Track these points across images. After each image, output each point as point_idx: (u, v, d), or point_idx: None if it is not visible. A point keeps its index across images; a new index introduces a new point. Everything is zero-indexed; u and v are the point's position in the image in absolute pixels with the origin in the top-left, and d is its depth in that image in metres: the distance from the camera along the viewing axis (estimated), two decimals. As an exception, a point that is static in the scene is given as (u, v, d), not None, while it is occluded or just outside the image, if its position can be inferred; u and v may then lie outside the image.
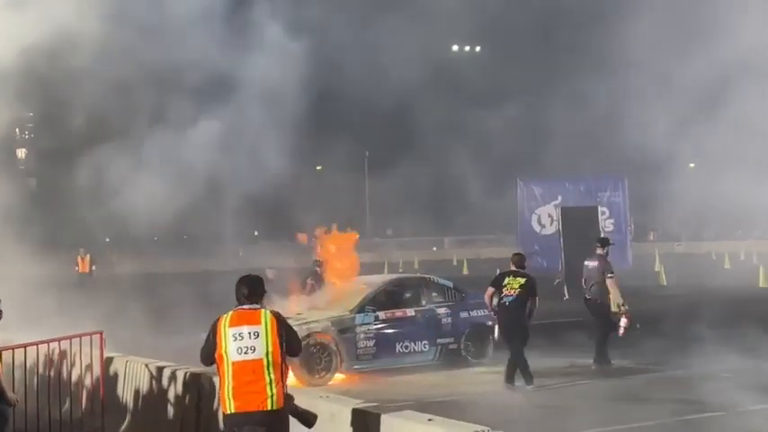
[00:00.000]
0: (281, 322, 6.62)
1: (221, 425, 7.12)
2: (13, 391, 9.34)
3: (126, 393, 10.58)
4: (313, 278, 17.52)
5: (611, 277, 15.05)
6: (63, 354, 10.71)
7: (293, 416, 6.82)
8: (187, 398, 9.56)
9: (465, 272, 41.34)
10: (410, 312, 15.05)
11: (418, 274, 19.24)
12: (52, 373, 10.65)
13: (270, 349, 6.44)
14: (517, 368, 13.29)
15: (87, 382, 10.69)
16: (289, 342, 6.61)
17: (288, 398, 6.62)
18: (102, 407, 10.24)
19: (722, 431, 10.56)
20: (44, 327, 12.99)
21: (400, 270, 39.21)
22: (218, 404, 8.74)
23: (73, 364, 10.60)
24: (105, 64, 17.88)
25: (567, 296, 27.08)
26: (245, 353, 6.45)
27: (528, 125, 36.88)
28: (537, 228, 39.73)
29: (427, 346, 14.92)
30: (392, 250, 52.14)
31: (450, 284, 15.99)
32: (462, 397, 12.60)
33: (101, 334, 10.22)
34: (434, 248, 60.40)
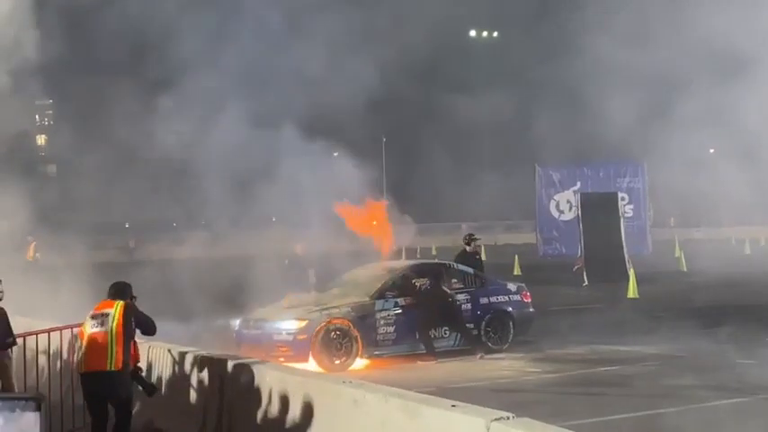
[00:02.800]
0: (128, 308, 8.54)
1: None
2: (37, 377, 9.42)
3: (149, 378, 10.62)
4: None
5: None
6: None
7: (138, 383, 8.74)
8: (209, 382, 9.58)
9: (483, 258, 41.18)
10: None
11: (438, 260, 19.24)
12: (75, 359, 10.69)
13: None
14: None
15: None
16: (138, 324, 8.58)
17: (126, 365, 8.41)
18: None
19: (746, 417, 10.51)
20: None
21: (418, 256, 39.15)
22: (243, 389, 8.80)
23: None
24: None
25: (586, 282, 27.01)
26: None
27: (546, 109, 36.68)
28: (555, 214, 39.65)
29: (447, 332, 14.91)
30: (410, 236, 52.02)
31: (470, 270, 15.96)
32: (482, 383, 12.60)
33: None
34: (456, 231, 60.28)
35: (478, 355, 14.62)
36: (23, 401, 1.98)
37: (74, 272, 17.97)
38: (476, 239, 16.98)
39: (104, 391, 8.31)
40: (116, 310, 8.36)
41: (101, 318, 8.35)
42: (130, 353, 8.40)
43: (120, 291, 8.64)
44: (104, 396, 8.38)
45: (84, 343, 8.41)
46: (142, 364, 9.34)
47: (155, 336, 9.04)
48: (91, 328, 8.36)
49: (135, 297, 8.81)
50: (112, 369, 8.21)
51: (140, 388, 8.93)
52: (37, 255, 34.37)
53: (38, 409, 2.01)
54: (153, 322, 8.76)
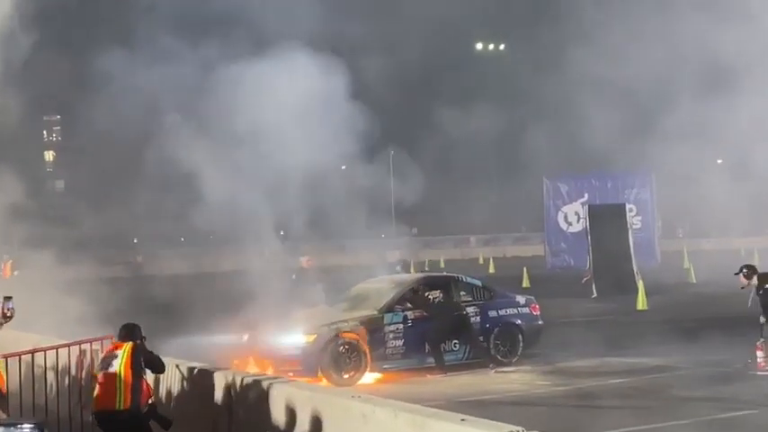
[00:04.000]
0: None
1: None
2: (45, 393, 9.41)
3: (158, 393, 10.60)
4: None
5: None
6: (95, 354, 10.74)
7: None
8: (218, 397, 9.56)
9: (492, 270, 41.19)
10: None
11: (446, 273, 19.19)
12: (84, 375, 10.68)
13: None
14: None
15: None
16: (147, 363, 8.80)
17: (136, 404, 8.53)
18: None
19: (758, 429, 10.44)
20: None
21: (426, 269, 39.12)
22: (252, 404, 8.77)
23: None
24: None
25: (595, 294, 26.92)
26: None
27: (554, 121, 36.67)
28: (564, 225, 39.57)
29: (457, 345, 14.85)
30: (418, 249, 52.06)
31: (479, 283, 15.92)
32: (492, 396, 12.55)
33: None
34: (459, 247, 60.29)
35: (491, 368, 14.56)
36: (27, 427, 1.96)
37: (76, 287, 18.00)
38: None
39: (115, 429, 8.55)
40: (124, 351, 8.65)
41: (110, 359, 8.66)
42: (141, 391, 8.60)
43: (129, 332, 8.90)
44: None
45: (97, 383, 8.72)
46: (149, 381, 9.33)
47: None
48: (101, 370, 8.70)
49: (144, 337, 8.97)
50: (121, 408, 8.46)
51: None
52: (15, 272, 34.40)
53: None
54: (161, 361, 9.05)
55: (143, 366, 8.71)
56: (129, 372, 8.52)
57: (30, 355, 10.05)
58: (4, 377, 8.89)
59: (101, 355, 9.27)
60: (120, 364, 8.55)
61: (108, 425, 8.56)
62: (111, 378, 8.50)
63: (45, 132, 78.98)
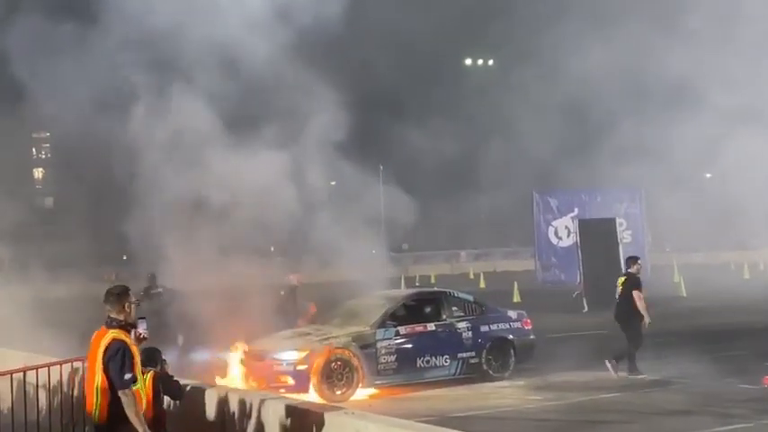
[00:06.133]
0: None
1: None
2: (37, 412, 9.34)
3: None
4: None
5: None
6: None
7: None
8: (211, 415, 9.53)
9: (482, 285, 41.21)
10: (430, 327, 14.99)
11: (438, 288, 19.20)
12: (76, 393, 10.62)
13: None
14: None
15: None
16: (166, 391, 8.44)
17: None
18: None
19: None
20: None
21: (417, 284, 39.11)
22: (245, 421, 8.74)
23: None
24: None
25: (586, 308, 26.94)
26: None
27: (546, 136, 36.78)
28: (554, 240, 39.57)
29: (448, 360, 14.84)
30: (408, 264, 52.04)
31: (471, 298, 15.92)
32: (485, 411, 12.54)
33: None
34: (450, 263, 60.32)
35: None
36: None
37: (62, 305, 17.93)
38: None
39: None
40: (146, 379, 8.26)
41: None
42: (161, 422, 8.31)
43: (150, 358, 8.55)
44: None
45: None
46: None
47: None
48: None
49: (165, 360, 8.73)
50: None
51: None
52: None
53: None
54: (180, 388, 8.74)
55: (162, 396, 8.44)
56: (152, 401, 8.24)
57: (22, 372, 9.98)
58: None
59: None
60: (141, 394, 8.16)
61: None
62: None
63: (34, 150, 78.83)
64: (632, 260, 16.03)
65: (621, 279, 15.77)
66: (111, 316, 7.18)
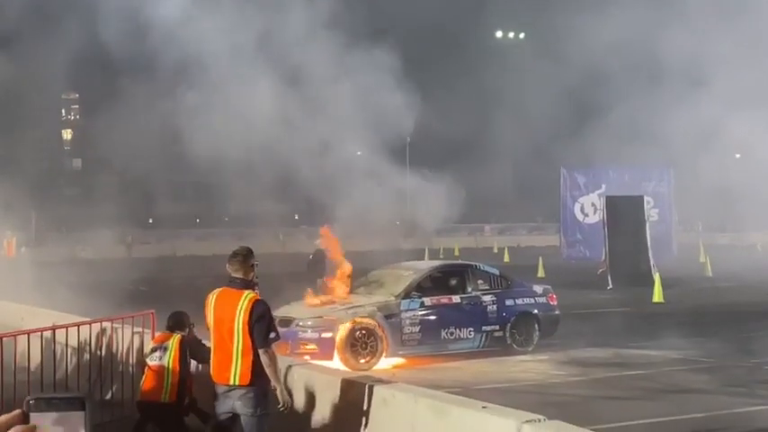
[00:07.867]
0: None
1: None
2: (66, 370, 9.44)
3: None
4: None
5: None
6: (114, 332, 10.80)
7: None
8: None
9: (506, 259, 41.15)
10: (456, 299, 15.00)
11: (463, 261, 19.19)
12: (103, 352, 10.75)
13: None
14: None
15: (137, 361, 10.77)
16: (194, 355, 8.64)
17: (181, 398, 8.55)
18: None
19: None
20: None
21: (441, 257, 39.11)
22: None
23: (124, 344, 10.67)
24: None
25: (610, 285, 26.87)
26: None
27: (573, 110, 36.58)
28: (580, 216, 39.45)
29: (472, 333, 14.85)
30: (432, 237, 51.99)
31: (496, 272, 15.91)
32: (509, 384, 12.55)
33: (152, 313, 10.29)
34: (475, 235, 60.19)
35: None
36: (69, 401, 1.98)
37: (84, 266, 18.07)
38: None
39: (156, 420, 8.59)
40: (173, 343, 8.58)
41: (160, 351, 8.58)
42: (186, 385, 8.56)
43: (178, 322, 8.79)
44: (156, 424, 8.63)
45: (144, 374, 8.70)
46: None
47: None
48: (150, 361, 8.62)
49: (193, 324, 8.82)
50: (166, 401, 8.46)
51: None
52: (22, 249, 34.38)
53: (83, 408, 2.01)
54: (209, 351, 8.49)
55: (188, 360, 8.60)
56: (178, 366, 8.47)
57: (51, 331, 10.11)
58: None
59: (149, 342, 9.27)
60: (169, 358, 8.48)
61: (149, 414, 8.58)
62: (160, 371, 8.47)
63: (63, 111, 79.26)
64: None
65: None
66: (238, 276, 7.10)
